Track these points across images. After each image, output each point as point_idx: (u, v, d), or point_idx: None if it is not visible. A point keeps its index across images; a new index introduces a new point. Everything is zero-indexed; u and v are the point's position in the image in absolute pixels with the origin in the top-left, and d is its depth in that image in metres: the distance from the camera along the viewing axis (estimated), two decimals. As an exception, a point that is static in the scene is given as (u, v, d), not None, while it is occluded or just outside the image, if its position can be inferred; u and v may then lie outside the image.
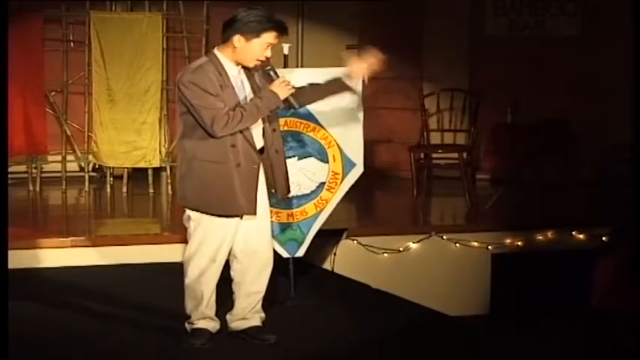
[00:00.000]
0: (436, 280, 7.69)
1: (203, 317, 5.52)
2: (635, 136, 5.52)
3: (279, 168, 5.54)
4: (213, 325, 5.56)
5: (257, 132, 5.40)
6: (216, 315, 5.58)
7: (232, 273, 5.56)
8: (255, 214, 5.40)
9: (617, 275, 6.17)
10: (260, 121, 5.39)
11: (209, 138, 5.28)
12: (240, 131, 5.29)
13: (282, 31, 5.36)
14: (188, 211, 5.46)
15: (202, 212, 5.37)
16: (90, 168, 9.90)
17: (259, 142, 5.42)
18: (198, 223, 5.42)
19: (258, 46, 5.31)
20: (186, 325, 5.56)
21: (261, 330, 5.60)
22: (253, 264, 5.53)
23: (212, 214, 5.36)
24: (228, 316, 5.63)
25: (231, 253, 5.51)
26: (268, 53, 5.34)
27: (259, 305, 5.62)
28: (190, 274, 5.47)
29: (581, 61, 10.35)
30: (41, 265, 7.12)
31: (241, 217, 5.41)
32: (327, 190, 6.59)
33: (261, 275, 5.56)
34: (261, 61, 5.35)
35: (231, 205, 5.35)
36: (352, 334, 5.93)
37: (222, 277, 5.53)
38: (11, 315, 5.92)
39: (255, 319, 5.60)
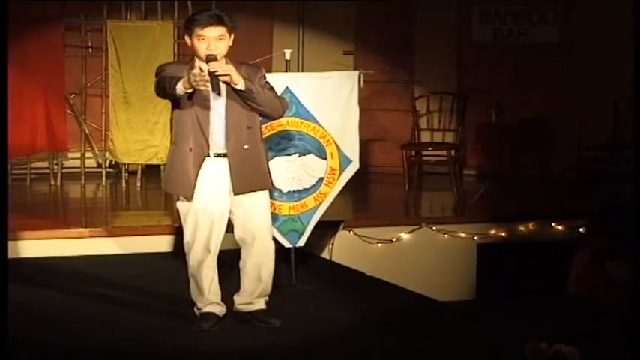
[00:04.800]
0: (426, 268, 7.68)
1: (209, 302, 5.50)
2: (634, 135, 5.49)
3: (244, 164, 5.33)
4: (220, 309, 5.54)
5: (219, 127, 5.28)
6: (224, 299, 5.57)
7: (240, 259, 5.54)
8: (190, 199, 5.31)
9: (589, 265, 6.18)
10: (221, 117, 5.26)
11: (177, 122, 5.32)
12: (198, 119, 5.23)
13: (207, 22, 5.19)
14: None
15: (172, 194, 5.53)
16: (107, 164, 9.89)
17: (220, 137, 5.29)
18: (186, 211, 5.39)
19: (196, 42, 5.22)
20: (195, 310, 5.55)
21: (265, 313, 5.57)
22: (253, 252, 5.47)
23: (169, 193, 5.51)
24: (235, 297, 5.60)
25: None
26: (212, 46, 5.18)
27: (264, 291, 5.58)
28: (190, 264, 5.48)
29: (560, 66, 10.35)
30: (62, 254, 7.10)
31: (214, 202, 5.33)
32: (326, 184, 6.58)
33: (261, 263, 5.50)
34: (209, 55, 5.17)
35: (170, 184, 5.43)
36: (348, 318, 5.92)
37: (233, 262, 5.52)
38: (32, 299, 5.96)
39: (260, 303, 5.57)
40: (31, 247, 7.04)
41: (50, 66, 9.55)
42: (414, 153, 9.76)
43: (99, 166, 9.93)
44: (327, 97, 6.52)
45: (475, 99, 9.85)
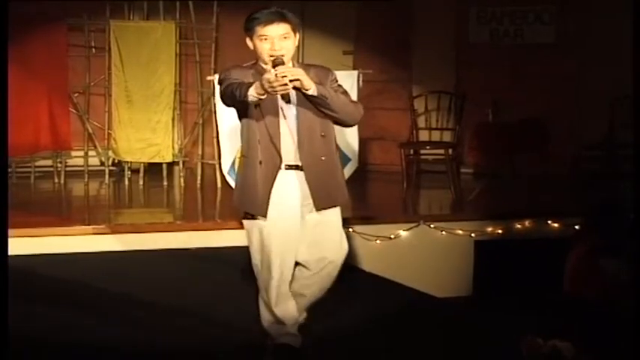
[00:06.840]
0: (424, 265, 7.68)
1: (285, 333, 4.98)
2: (634, 135, 5.51)
3: (321, 176, 4.81)
4: (295, 341, 5.02)
5: (290, 137, 4.77)
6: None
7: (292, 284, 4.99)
8: (264, 216, 4.77)
9: (584, 262, 6.20)
10: (292, 125, 4.75)
11: (245, 132, 4.81)
12: (267, 128, 4.71)
13: (268, 20, 4.68)
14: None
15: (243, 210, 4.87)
16: (109, 163, 9.91)
17: (290, 146, 4.77)
18: (251, 229, 4.87)
19: (259, 42, 4.70)
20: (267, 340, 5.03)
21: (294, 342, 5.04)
22: (320, 276, 5.00)
23: (245, 211, 4.85)
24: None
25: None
26: (277, 46, 4.66)
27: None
28: (261, 287, 4.95)
29: (556, 66, 10.36)
30: (65, 251, 7.11)
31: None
32: (325, 183, 6.56)
33: (325, 289, 5.07)
34: (274, 56, 4.64)
35: (240, 200, 4.86)
36: (348, 313, 5.93)
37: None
38: (34, 297, 5.97)
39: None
40: (35, 244, 7.05)
41: (54, 65, 9.58)
42: (412, 151, 9.76)
43: (102, 164, 9.95)
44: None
45: (472, 98, 9.86)
